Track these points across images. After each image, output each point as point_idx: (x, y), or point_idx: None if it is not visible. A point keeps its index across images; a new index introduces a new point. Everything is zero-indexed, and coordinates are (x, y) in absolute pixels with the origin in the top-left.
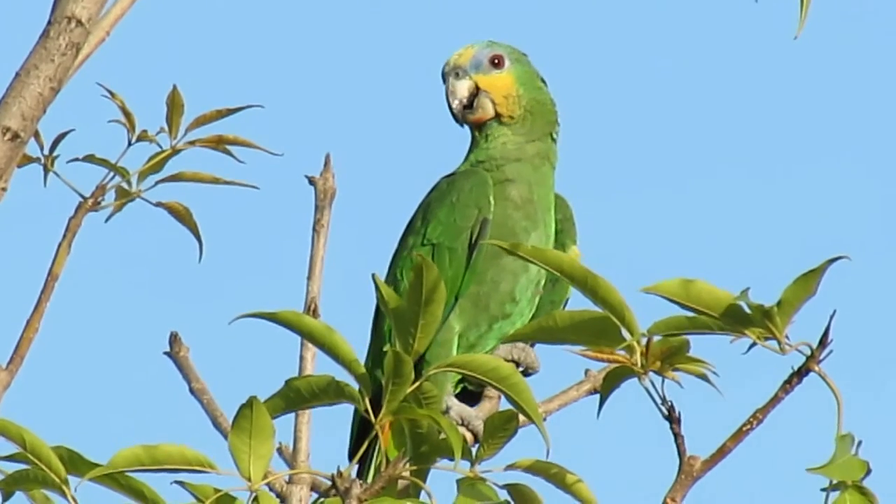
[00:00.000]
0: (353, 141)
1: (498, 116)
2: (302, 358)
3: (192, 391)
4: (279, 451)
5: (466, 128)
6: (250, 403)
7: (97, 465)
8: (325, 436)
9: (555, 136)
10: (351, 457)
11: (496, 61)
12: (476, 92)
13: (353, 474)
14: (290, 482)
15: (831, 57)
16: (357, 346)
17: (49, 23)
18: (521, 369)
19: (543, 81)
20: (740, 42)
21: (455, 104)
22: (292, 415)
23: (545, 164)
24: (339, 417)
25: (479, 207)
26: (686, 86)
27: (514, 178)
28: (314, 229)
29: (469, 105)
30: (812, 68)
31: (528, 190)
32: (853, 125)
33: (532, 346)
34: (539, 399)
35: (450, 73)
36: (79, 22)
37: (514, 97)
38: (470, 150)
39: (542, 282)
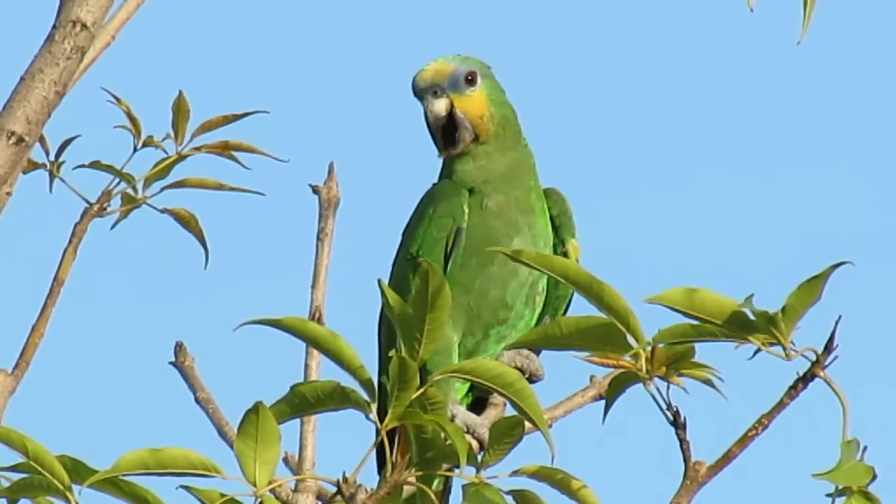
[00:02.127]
0: (356, 149)
1: (475, 138)
2: (307, 366)
3: (197, 401)
4: (285, 460)
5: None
6: (256, 409)
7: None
8: (330, 445)
9: (523, 143)
10: (379, 466)
11: (470, 78)
12: (451, 111)
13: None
14: (295, 490)
15: (837, 57)
16: (361, 353)
17: (54, 26)
18: (525, 376)
19: (503, 91)
20: (747, 44)
21: (435, 125)
22: (298, 424)
23: (519, 169)
24: (345, 426)
25: (454, 217)
26: (687, 86)
27: (489, 191)
28: (318, 238)
29: (446, 125)
30: (819, 69)
31: (505, 198)
32: (859, 127)
33: (538, 353)
34: (544, 405)
35: (426, 91)
36: (84, 26)
37: (487, 116)
38: (442, 169)
39: (542, 283)
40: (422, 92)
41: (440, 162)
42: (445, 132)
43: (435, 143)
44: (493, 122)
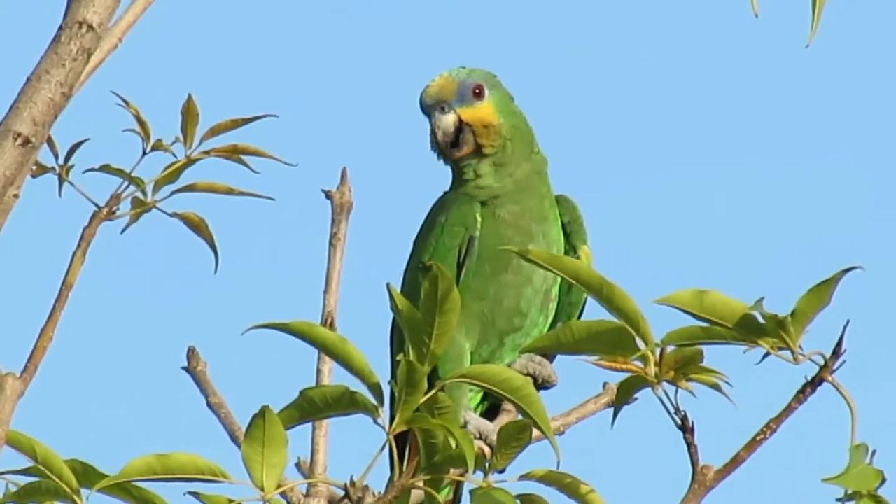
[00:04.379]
0: (369, 154)
1: (479, 148)
2: (318, 371)
3: (209, 405)
4: (297, 466)
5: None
6: (263, 413)
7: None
8: (345, 450)
9: (535, 150)
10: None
11: (477, 91)
12: (460, 125)
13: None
14: (307, 494)
15: (839, 56)
16: (373, 358)
17: (60, 28)
18: (538, 382)
19: (512, 99)
20: (753, 47)
21: (443, 140)
22: (309, 429)
23: (531, 177)
24: (359, 431)
25: (466, 226)
26: (692, 87)
27: (503, 201)
28: (331, 243)
29: (454, 140)
30: (827, 67)
31: (519, 208)
32: (866, 126)
33: (552, 360)
34: (557, 412)
35: (434, 108)
36: (90, 27)
37: (494, 127)
38: (453, 180)
39: (555, 290)
40: (429, 108)
41: (452, 167)
42: (452, 142)
43: (440, 155)
44: (501, 133)
